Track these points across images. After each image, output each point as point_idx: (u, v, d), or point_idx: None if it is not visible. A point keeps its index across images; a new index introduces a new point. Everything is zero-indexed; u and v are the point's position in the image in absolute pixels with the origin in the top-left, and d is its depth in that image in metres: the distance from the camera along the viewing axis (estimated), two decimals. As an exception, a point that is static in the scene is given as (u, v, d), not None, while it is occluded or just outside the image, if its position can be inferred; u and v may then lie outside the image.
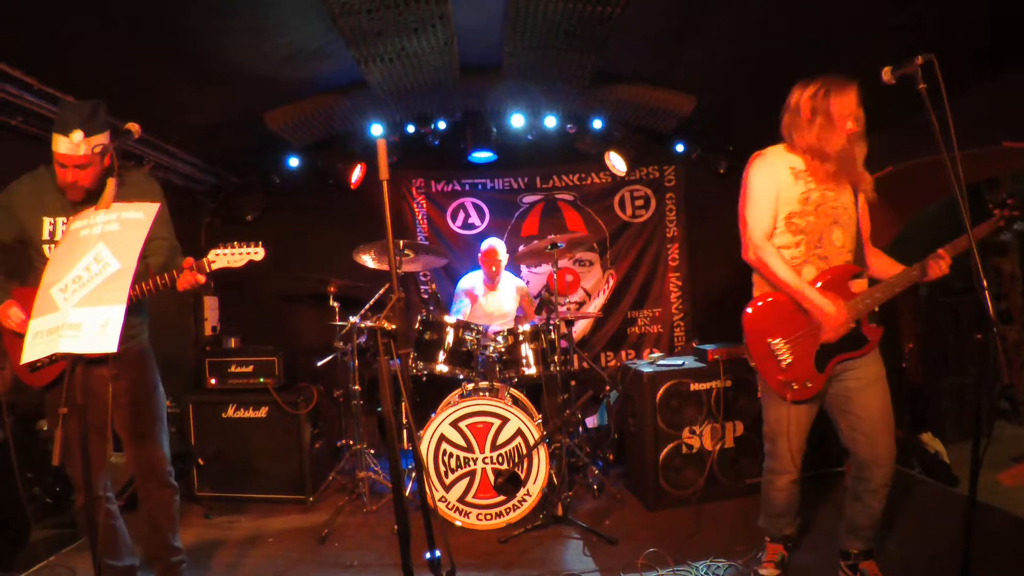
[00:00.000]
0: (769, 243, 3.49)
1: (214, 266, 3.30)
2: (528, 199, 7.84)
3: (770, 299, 3.56)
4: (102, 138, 3.33)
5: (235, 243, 3.34)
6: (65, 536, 4.78)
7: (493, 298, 6.67)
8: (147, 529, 3.77)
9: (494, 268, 6.59)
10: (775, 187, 3.48)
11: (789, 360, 3.47)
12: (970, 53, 4.22)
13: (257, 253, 3.39)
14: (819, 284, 3.42)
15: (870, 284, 3.54)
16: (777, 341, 3.50)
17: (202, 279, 3.31)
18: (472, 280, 6.80)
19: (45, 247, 3.46)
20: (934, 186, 3.65)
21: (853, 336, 3.45)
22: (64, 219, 3.44)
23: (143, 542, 3.83)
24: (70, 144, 3.23)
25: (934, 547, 4.05)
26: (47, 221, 3.46)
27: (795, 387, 3.48)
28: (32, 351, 2.61)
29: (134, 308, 3.62)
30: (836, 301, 3.38)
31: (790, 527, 3.91)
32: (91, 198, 3.39)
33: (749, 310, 3.61)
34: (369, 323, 5.50)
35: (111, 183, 2.95)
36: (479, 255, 6.70)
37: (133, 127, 3.21)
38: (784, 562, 3.93)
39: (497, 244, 6.66)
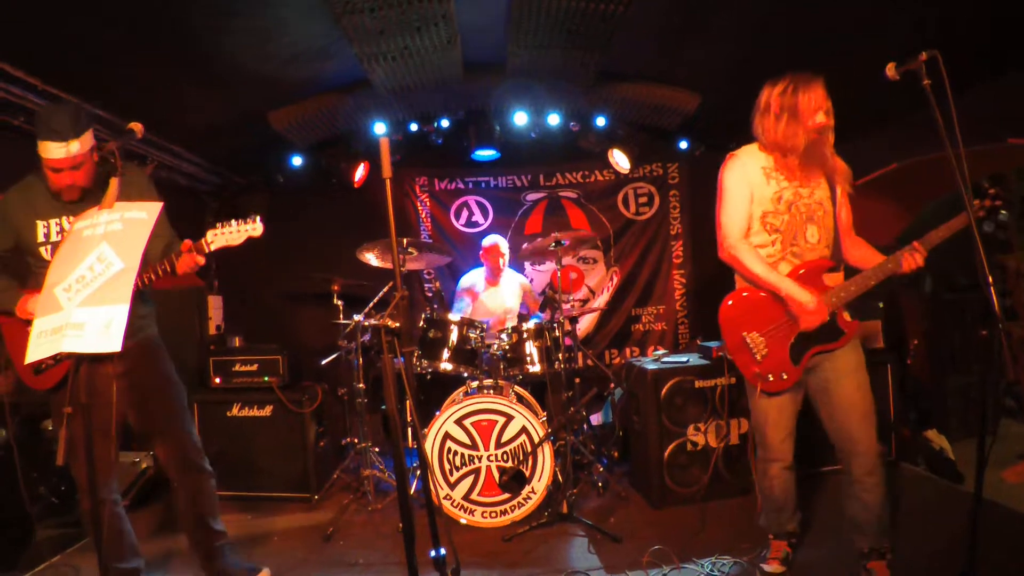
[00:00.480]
0: (743, 241, 3.55)
1: (212, 246, 3.23)
2: (531, 197, 7.85)
3: (745, 294, 3.64)
4: (89, 136, 3.33)
5: (233, 220, 3.27)
6: (69, 536, 4.79)
7: (495, 294, 6.68)
8: (187, 517, 3.77)
9: (500, 263, 6.61)
10: (748, 187, 3.54)
11: (764, 352, 3.54)
12: (972, 51, 4.21)
13: (255, 228, 3.28)
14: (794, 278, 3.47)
15: (849, 275, 3.55)
16: (752, 334, 3.57)
17: (201, 260, 3.26)
18: (473, 277, 6.82)
19: (41, 249, 3.45)
20: (939, 183, 3.64)
21: (829, 328, 3.47)
22: (57, 220, 3.44)
23: (184, 531, 3.84)
24: (65, 150, 3.21)
25: (938, 543, 4.04)
26: (40, 224, 3.44)
27: (770, 379, 3.55)
28: (36, 351, 2.62)
29: (140, 298, 3.59)
30: (811, 292, 3.42)
31: (791, 522, 3.92)
32: (87, 196, 3.41)
33: (727, 302, 3.67)
34: (373, 321, 5.51)
35: (114, 183, 2.96)
36: (481, 252, 6.72)
37: (136, 127, 3.22)
38: (788, 559, 3.93)
39: (499, 240, 6.67)
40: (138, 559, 3.76)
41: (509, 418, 4.94)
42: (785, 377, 3.53)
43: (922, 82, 2.90)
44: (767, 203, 3.52)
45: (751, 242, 3.57)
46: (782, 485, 3.78)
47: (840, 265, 3.63)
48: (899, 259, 3.36)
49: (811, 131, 3.39)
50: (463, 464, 4.97)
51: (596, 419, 7.19)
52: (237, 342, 6.74)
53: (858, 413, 3.46)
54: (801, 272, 3.49)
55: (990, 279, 2.76)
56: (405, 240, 5.53)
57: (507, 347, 5.48)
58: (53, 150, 3.22)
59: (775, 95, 3.49)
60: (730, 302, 3.66)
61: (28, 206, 3.45)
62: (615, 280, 7.89)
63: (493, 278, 6.68)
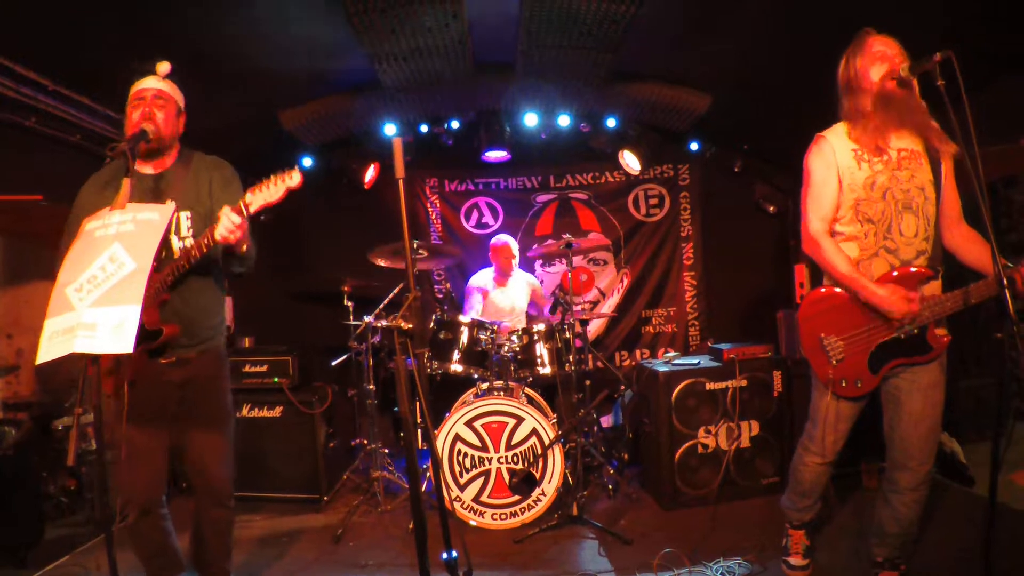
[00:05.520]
0: (827, 236, 3.34)
1: (253, 206, 3.01)
2: (542, 198, 7.84)
3: (826, 292, 3.44)
4: (180, 92, 3.34)
5: (269, 176, 3.06)
6: (79, 535, 4.80)
7: (504, 294, 6.68)
8: (200, 550, 3.60)
9: (511, 264, 6.64)
10: (835, 172, 3.30)
11: (841, 357, 3.37)
12: (985, 50, 4.19)
13: (293, 179, 3.05)
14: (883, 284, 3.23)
15: (948, 282, 3.33)
16: (830, 338, 3.39)
17: (237, 220, 2.99)
18: (483, 277, 6.81)
19: None
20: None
21: (916, 341, 3.26)
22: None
23: (193, 560, 3.64)
24: (155, 76, 3.20)
25: (950, 547, 4.02)
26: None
27: (844, 384, 3.38)
28: (47, 351, 2.60)
29: (213, 304, 3.50)
30: (897, 290, 3.18)
31: (810, 511, 3.84)
32: (160, 152, 3.35)
33: (807, 301, 3.51)
34: (384, 322, 5.51)
35: (126, 183, 2.92)
36: (490, 252, 6.72)
37: (148, 127, 3.15)
38: (808, 551, 3.89)
39: (510, 240, 6.67)
40: (183, 575, 3.57)
41: (519, 420, 4.93)
42: (860, 385, 3.37)
43: (936, 83, 2.85)
44: (859, 189, 3.27)
45: (845, 231, 3.36)
46: (813, 477, 3.69)
47: (939, 272, 3.30)
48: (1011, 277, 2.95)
49: (874, 89, 3.21)
50: (473, 466, 4.96)
51: (606, 421, 7.18)
52: (247, 343, 6.75)
53: (922, 430, 3.32)
54: (895, 275, 3.24)
55: (1005, 281, 2.73)
56: (416, 241, 5.51)
57: (518, 349, 5.47)
58: (142, 82, 3.21)
59: (841, 70, 3.35)
60: (810, 301, 3.49)
61: (99, 194, 3.26)
62: (625, 282, 7.87)
63: (502, 278, 6.67)
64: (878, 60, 3.22)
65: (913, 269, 3.23)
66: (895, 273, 3.24)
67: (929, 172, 3.27)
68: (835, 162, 3.30)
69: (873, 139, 3.25)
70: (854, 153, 3.29)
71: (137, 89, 3.25)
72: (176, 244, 3.31)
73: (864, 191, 3.27)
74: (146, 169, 3.35)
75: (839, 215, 3.37)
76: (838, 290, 3.39)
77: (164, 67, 3.21)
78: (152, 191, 3.29)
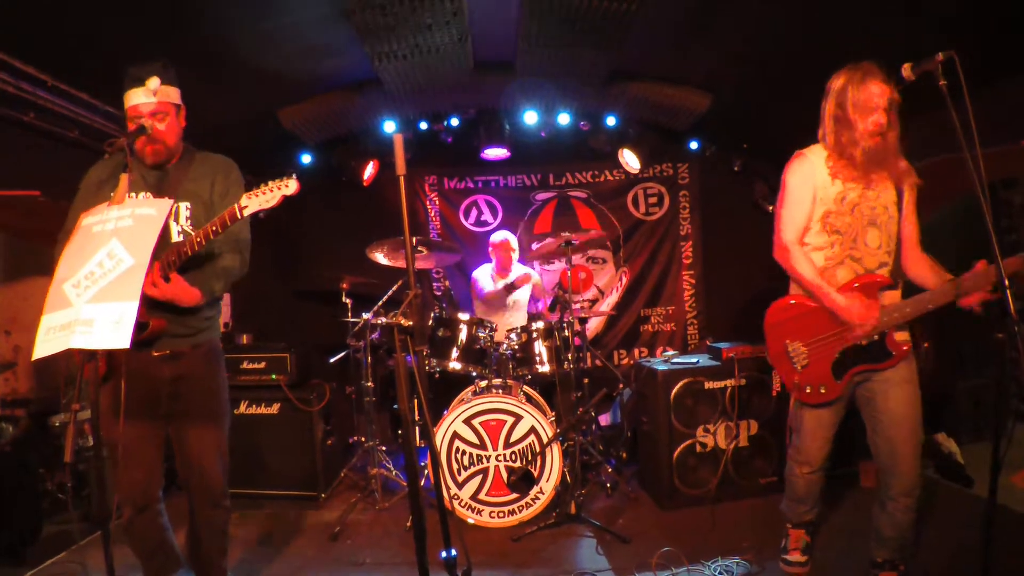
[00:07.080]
0: (798, 245, 3.44)
1: (246, 211, 2.97)
2: (541, 196, 7.83)
3: (793, 301, 3.53)
4: (175, 91, 3.27)
5: (266, 182, 3.01)
6: (76, 532, 4.77)
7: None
8: (196, 549, 3.53)
9: (512, 257, 6.65)
10: (812, 187, 3.39)
11: (805, 363, 3.44)
12: (985, 51, 4.18)
13: (288, 186, 2.99)
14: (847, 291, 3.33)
15: (908, 293, 3.38)
16: (795, 344, 3.47)
17: (230, 223, 3.00)
18: (484, 271, 6.83)
19: None
20: (951, 184, 3.58)
21: (876, 348, 3.34)
22: (133, 194, 3.19)
23: (189, 558, 3.57)
24: (146, 91, 3.12)
25: (949, 548, 4.03)
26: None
27: (808, 391, 3.46)
28: (44, 347, 2.58)
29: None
30: (861, 299, 3.28)
31: (809, 514, 3.87)
32: (169, 160, 3.34)
33: (773, 308, 3.59)
34: (383, 320, 5.50)
35: (124, 178, 2.90)
36: (490, 247, 6.72)
37: (147, 123, 3.12)
38: (808, 548, 3.91)
39: (509, 236, 6.68)
40: (182, 571, 3.52)
41: (518, 418, 4.93)
42: (824, 391, 3.42)
43: (938, 83, 2.84)
44: (830, 203, 3.37)
45: (812, 243, 3.46)
46: (806, 485, 3.74)
47: (899, 282, 3.44)
48: (960, 284, 3.14)
49: (867, 136, 3.24)
50: (471, 464, 4.96)
51: (604, 420, 7.18)
52: (245, 340, 6.73)
53: (906, 429, 3.34)
54: (856, 285, 3.33)
55: (1007, 281, 2.73)
56: (415, 239, 5.50)
57: (516, 347, 5.46)
58: (133, 96, 3.14)
59: (832, 94, 3.35)
60: (776, 308, 3.58)
61: (102, 186, 3.24)
62: (624, 280, 7.87)
63: (503, 271, 6.68)
64: (877, 109, 3.23)
65: (876, 283, 3.33)
66: (856, 284, 3.34)
67: (894, 195, 3.39)
68: (812, 180, 3.40)
69: (857, 176, 3.35)
70: (829, 169, 3.38)
71: (131, 105, 3.18)
72: (174, 229, 3.27)
73: (835, 204, 3.38)
74: (149, 167, 3.31)
75: (808, 226, 3.47)
76: (803, 298, 3.48)
77: (153, 82, 3.16)
78: (153, 186, 3.27)
